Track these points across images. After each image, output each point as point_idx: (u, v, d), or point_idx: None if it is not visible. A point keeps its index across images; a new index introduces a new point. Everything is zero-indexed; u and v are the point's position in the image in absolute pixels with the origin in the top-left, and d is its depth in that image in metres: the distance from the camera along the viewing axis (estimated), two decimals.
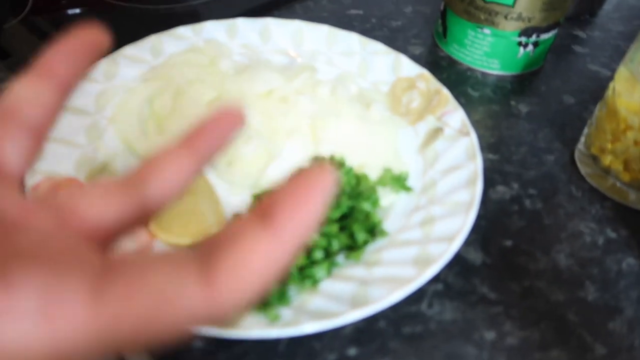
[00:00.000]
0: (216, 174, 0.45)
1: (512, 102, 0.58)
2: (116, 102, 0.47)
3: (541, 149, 0.53)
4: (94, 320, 0.11)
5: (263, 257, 0.12)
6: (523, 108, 0.57)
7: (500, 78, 0.61)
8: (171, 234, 0.38)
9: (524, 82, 0.61)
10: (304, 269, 0.35)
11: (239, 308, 0.12)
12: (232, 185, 0.45)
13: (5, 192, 0.13)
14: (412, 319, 0.37)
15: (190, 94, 0.47)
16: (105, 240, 0.14)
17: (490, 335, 0.37)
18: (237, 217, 0.45)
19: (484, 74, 0.61)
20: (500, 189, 0.48)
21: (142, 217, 0.15)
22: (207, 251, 0.13)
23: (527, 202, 0.47)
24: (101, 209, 0.14)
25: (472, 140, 0.44)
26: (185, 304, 0.12)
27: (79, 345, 0.11)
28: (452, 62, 0.62)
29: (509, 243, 0.44)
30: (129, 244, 0.37)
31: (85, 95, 0.46)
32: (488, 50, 0.59)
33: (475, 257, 0.42)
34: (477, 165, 0.42)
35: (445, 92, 0.49)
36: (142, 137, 0.45)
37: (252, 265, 0.12)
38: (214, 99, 0.47)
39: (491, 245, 0.43)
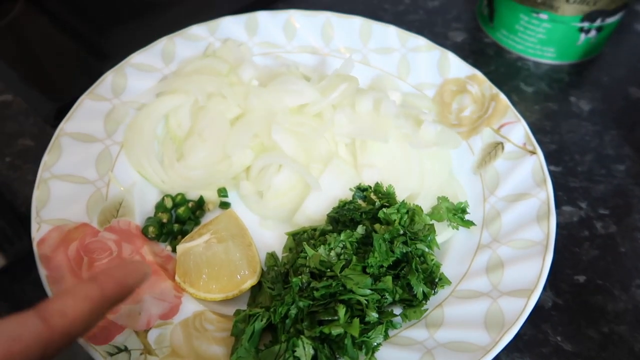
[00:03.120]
0: (246, 204, 0.40)
1: (572, 98, 0.51)
2: (127, 122, 0.41)
3: (609, 156, 0.46)
4: None
5: (81, 297, 0.22)
6: (584, 105, 0.50)
7: (555, 68, 0.53)
8: (201, 289, 0.33)
9: (582, 72, 0.53)
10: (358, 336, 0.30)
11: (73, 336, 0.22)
12: (264, 219, 0.39)
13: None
14: None
15: (210, 111, 0.41)
16: None
17: None
18: (271, 257, 0.40)
19: (536, 64, 0.54)
20: (567, 209, 0.42)
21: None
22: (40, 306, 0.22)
23: (599, 226, 0.41)
24: None
25: (539, 160, 0.38)
26: (30, 335, 0.21)
27: None
28: (500, 50, 0.55)
29: (581, 278, 0.38)
30: (155, 307, 0.32)
31: (92, 116, 0.40)
32: (543, 38, 0.52)
33: (545, 297, 0.37)
34: (548, 192, 0.36)
35: (503, 98, 0.42)
36: (158, 166, 0.40)
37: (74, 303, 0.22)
38: (238, 117, 0.41)
39: (561, 281, 0.38)
